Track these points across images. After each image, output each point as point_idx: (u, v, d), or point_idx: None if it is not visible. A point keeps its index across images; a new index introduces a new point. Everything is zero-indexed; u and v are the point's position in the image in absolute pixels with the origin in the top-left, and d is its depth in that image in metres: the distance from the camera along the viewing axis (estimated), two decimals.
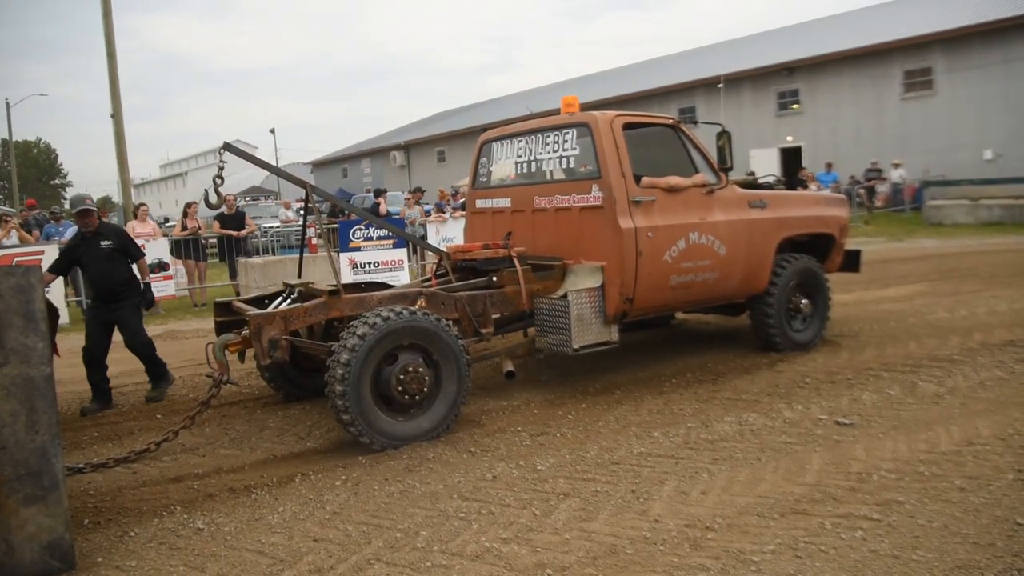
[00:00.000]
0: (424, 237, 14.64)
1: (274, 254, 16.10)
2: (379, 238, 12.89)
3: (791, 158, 29.64)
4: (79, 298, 13.00)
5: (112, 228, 7.46)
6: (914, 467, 4.55)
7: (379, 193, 18.40)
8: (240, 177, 57.67)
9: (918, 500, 4.10)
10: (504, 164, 7.52)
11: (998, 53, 24.21)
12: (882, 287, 11.62)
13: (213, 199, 6.33)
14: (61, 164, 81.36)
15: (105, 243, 7.05)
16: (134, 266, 7.26)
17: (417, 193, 17.48)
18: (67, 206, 8.07)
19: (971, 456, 4.67)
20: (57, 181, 79.44)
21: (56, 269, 7.47)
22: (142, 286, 7.30)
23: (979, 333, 7.97)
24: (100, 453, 5.72)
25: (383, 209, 16.91)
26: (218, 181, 6.05)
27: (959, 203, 21.76)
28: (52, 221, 15.16)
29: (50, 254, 12.00)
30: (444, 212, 16.60)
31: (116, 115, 16.42)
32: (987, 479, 4.32)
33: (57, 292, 11.73)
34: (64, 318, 11.82)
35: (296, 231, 18.99)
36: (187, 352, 9.45)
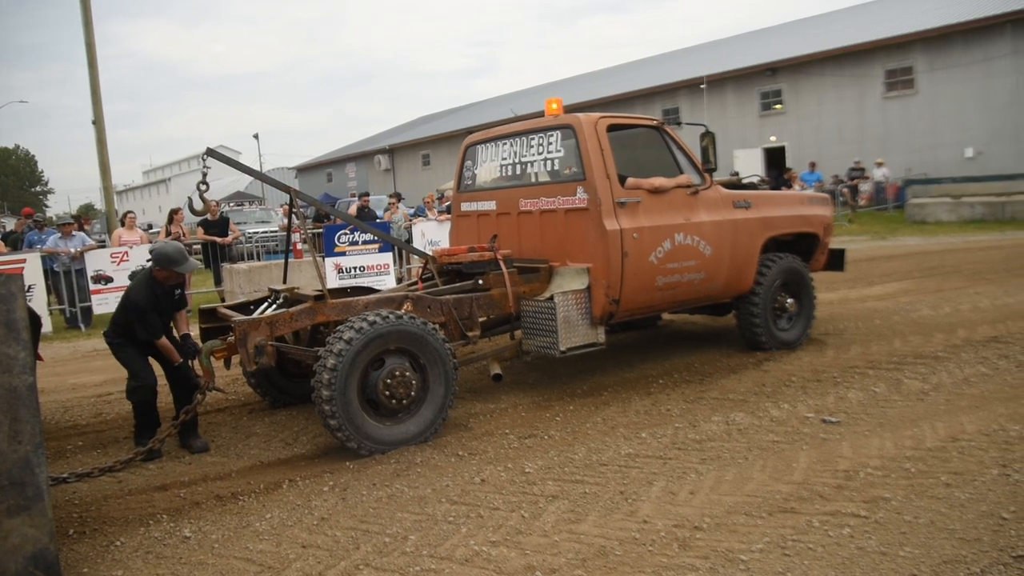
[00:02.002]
0: (409, 241, 14.60)
1: (259, 259, 15.99)
2: (365, 242, 12.84)
3: (775, 158, 29.80)
4: (62, 306, 12.91)
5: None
6: (900, 464, 4.57)
7: (363, 195, 18.42)
8: (224, 183, 57.36)
9: (904, 497, 4.12)
10: (489, 167, 7.52)
11: (978, 52, 24.44)
12: (866, 285, 11.69)
13: (198, 205, 6.29)
14: (42, 171, 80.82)
15: (178, 291, 6.02)
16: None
17: (394, 197, 17.49)
18: (150, 255, 6.22)
19: (956, 452, 4.70)
20: (38, 188, 78.86)
21: (159, 329, 5.78)
22: (180, 338, 6.07)
23: (963, 330, 8.03)
24: (84, 462, 5.67)
25: (352, 210, 16.84)
26: (202, 187, 6.00)
27: (941, 201, 21.94)
28: (35, 229, 15.06)
29: (32, 263, 11.94)
30: (425, 216, 16.62)
31: (98, 121, 16.29)
32: (972, 475, 4.35)
33: (39, 300, 11.64)
34: (47, 326, 11.72)
35: (283, 236, 18.87)
36: None
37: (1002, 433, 4.95)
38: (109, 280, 12.72)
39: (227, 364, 6.20)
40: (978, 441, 4.85)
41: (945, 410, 5.56)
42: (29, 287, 11.09)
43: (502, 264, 6.50)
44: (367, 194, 18.89)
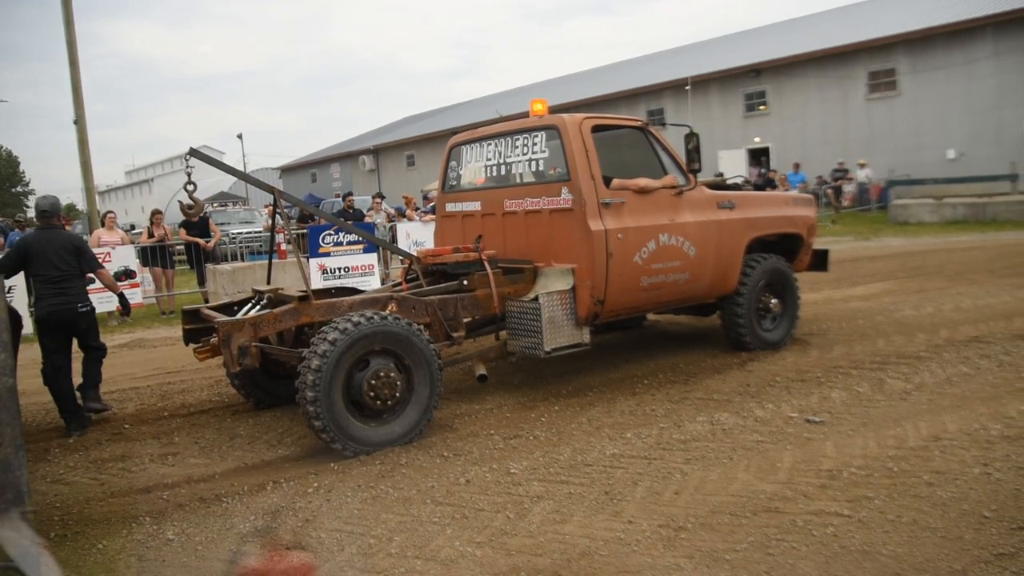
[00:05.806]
0: (394, 241, 14.57)
1: (243, 260, 15.91)
2: (349, 243, 12.81)
3: (759, 159, 29.94)
4: None
5: None
6: (883, 463, 4.60)
7: (347, 196, 18.37)
8: (207, 183, 56.97)
9: (887, 496, 4.15)
10: (474, 167, 7.51)
11: (959, 54, 24.63)
12: (850, 286, 11.76)
13: (190, 206, 6.26)
14: (23, 172, 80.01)
15: None
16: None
17: (377, 198, 17.43)
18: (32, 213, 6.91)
19: (938, 451, 4.73)
20: (19, 189, 78.07)
21: None
22: None
23: (945, 330, 8.08)
24: (67, 465, 5.63)
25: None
26: (190, 187, 5.96)
27: (924, 202, 22.10)
28: (16, 228, 14.94)
29: None
30: (405, 216, 16.63)
31: (79, 121, 16.14)
32: (954, 474, 4.38)
33: (20, 300, 11.51)
34: (28, 327, 11.60)
35: (267, 237, 18.76)
36: (155, 361, 9.35)
37: (983, 432, 4.99)
38: (91, 281, 12.58)
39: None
40: (960, 440, 4.89)
41: (927, 410, 5.60)
42: (9, 287, 10.97)
43: (487, 265, 6.49)
44: (351, 194, 18.83)
